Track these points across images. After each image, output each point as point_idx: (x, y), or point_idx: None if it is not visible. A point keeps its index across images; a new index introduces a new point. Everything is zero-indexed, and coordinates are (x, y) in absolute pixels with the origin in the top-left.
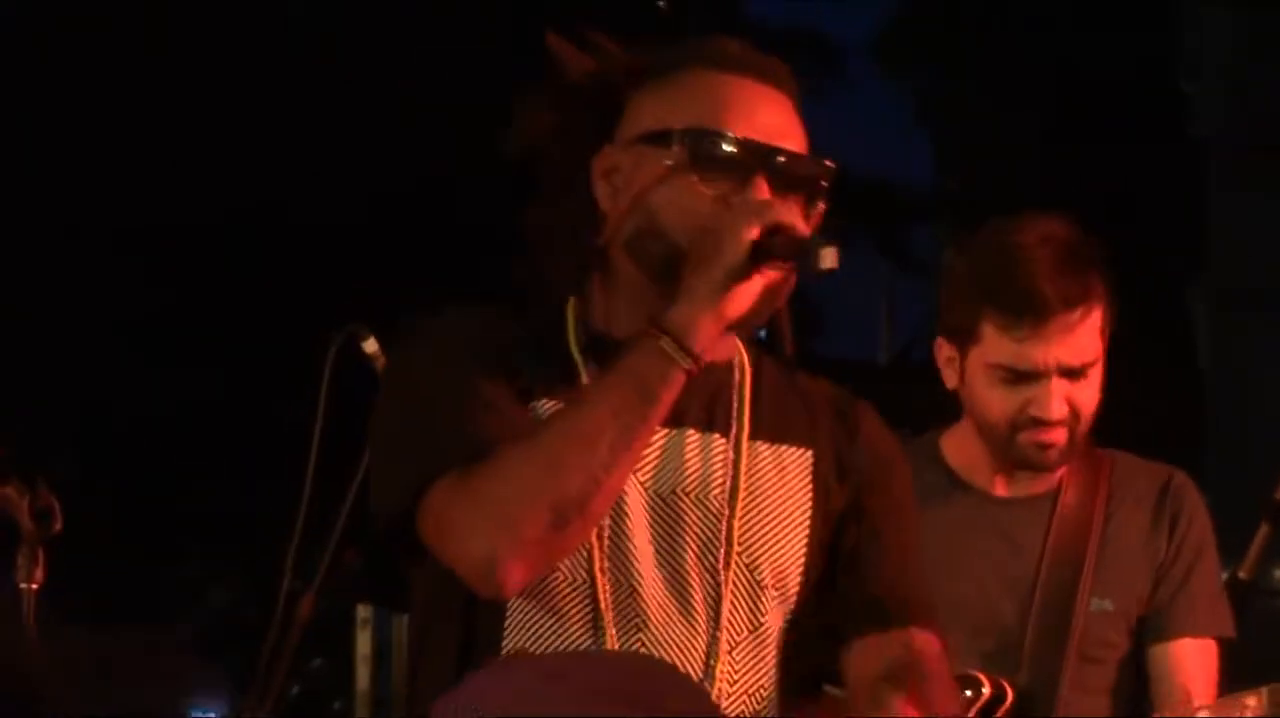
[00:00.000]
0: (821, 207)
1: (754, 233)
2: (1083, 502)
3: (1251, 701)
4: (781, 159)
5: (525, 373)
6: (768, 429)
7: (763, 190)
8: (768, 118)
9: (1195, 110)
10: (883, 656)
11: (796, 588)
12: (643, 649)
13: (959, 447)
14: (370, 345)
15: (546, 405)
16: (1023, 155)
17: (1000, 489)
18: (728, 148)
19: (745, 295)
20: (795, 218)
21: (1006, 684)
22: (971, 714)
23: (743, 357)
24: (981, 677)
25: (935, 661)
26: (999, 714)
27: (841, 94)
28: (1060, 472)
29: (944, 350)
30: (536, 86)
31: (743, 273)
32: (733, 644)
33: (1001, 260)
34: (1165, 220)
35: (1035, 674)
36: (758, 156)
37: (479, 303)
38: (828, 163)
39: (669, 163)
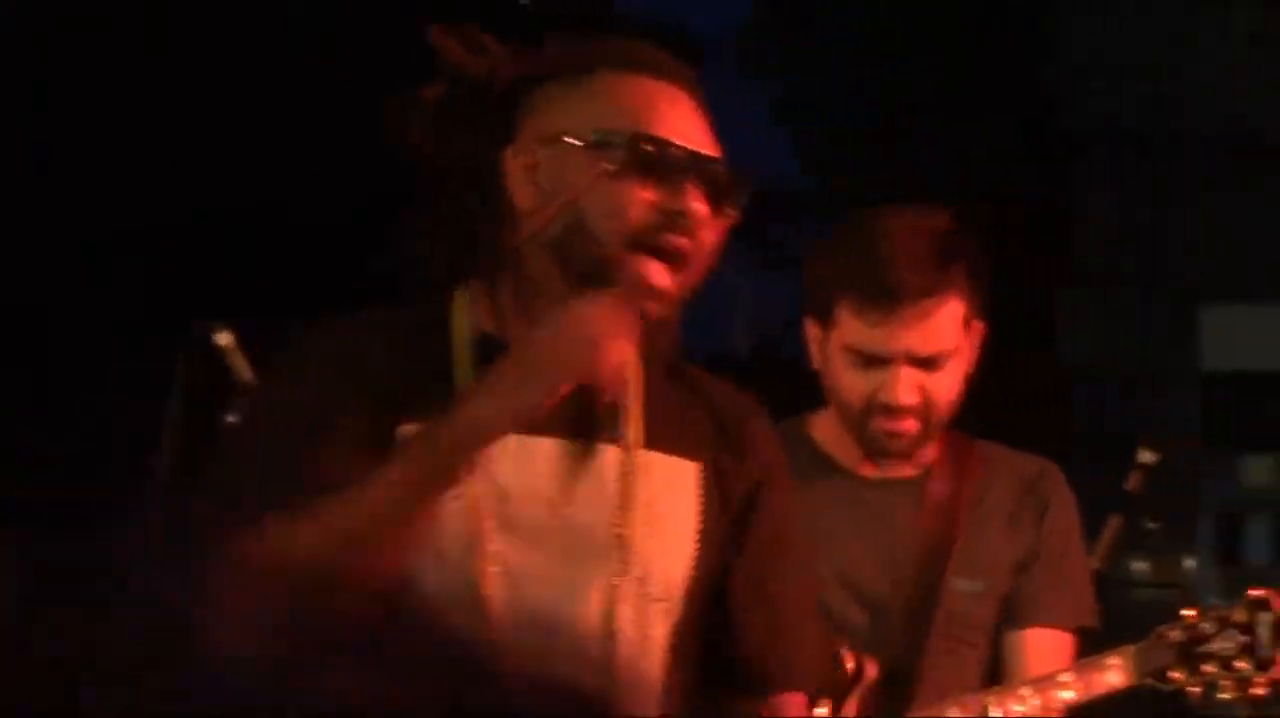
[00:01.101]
0: (733, 214)
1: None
2: (952, 487)
3: (1113, 661)
4: (714, 167)
5: (399, 385)
6: (656, 438)
7: (694, 198)
8: (693, 124)
9: (1063, 103)
10: None
11: (682, 600)
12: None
13: (827, 429)
14: (224, 339)
15: (406, 430)
16: (887, 152)
17: (868, 471)
18: (669, 154)
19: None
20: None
21: (869, 662)
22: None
23: (634, 359)
24: (845, 654)
25: None
26: (862, 691)
27: (705, 89)
28: (930, 457)
29: (809, 330)
30: (422, 82)
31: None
32: (624, 655)
33: (862, 245)
34: (1033, 215)
35: (903, 652)
36: (693, 164)
37: (356, 309)
38: (746, 173)
39: (610, 167)
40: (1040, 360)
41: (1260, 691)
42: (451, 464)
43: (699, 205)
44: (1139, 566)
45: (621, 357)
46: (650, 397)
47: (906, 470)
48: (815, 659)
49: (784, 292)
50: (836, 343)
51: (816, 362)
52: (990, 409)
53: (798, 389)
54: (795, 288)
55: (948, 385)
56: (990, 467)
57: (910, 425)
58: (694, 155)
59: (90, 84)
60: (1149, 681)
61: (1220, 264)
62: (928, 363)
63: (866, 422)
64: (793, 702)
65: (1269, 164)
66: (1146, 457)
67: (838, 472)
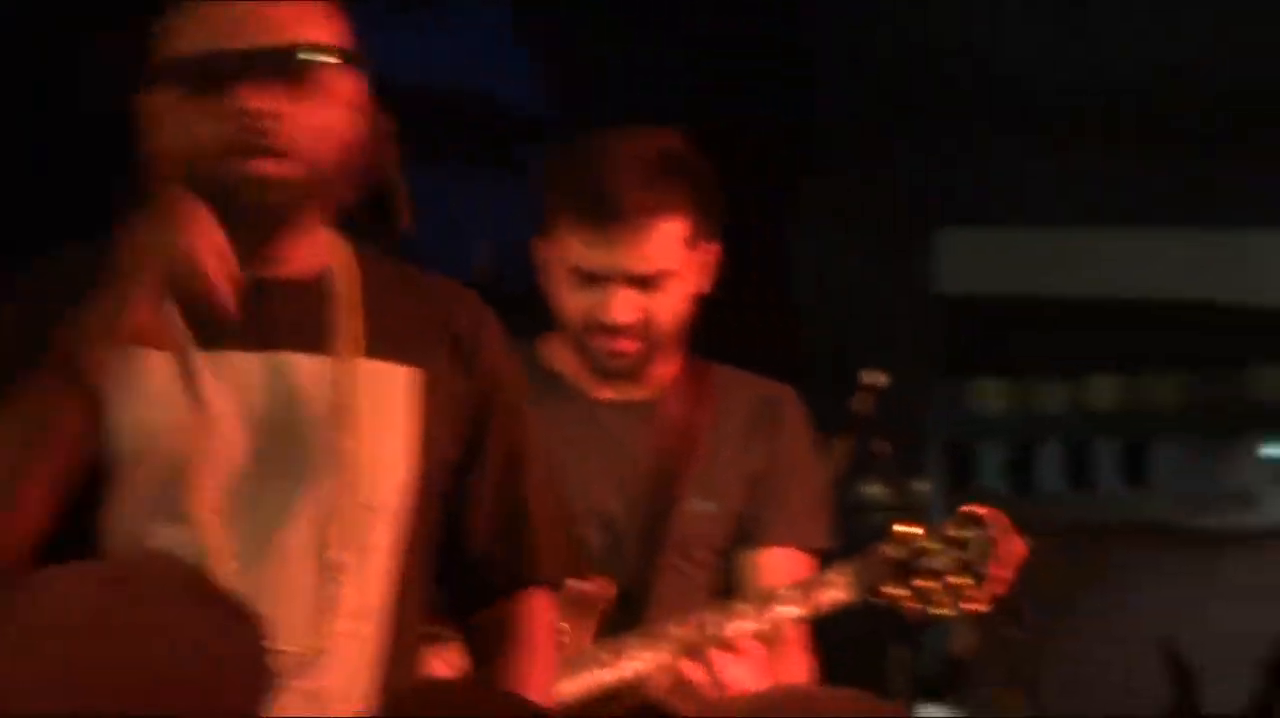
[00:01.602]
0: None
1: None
2: (686, 409)
3: (833, 577)
4: (275, 57)
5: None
6: (376, 346)
7: (251, 96)
8: (253, 23)
9: (806, 25)
10: (484, 630)
11: (402, 509)
12: (255, 582)
13: (559, 351)
14: None
15: None
16: (631, 82)
17: (601, 393)
18: (211, 65)
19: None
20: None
21: (605, 583)
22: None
23: (349, 264)
24: (588, 579)
25: (531, 627)
26: (598, 612)
27: (443, 10)
28: (664, 380)
29: (537, 250)
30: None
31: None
32: (341, 566)
33: (582, 164)
34: (772, 139)
35: (636, 572)
36: (243, 64)
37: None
38: (323, 41)
39: (174, 96)
40: (776, 285)
41: (976, 605)
42: (60, 387)
43: (260, 100)
44: (871, 489)
45: (200, 258)
46: (372, 303)
47: (640, 392)
48: (561, 552)
49: (527, 213)
50: (559, 262)
51: (544, 282)
52: (727, 333)
53: (537, 310)
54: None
55: (669, 306)
56: (726, 390)
57: (629, 345)
58: (241, 55)
59: None
60: (868, 596)
61: (955, 188)
62: (646, 282)
63: (588, 341)
64: (532, 602)
65: (999, 93)
66: (873, 379)
67: (570, 393)
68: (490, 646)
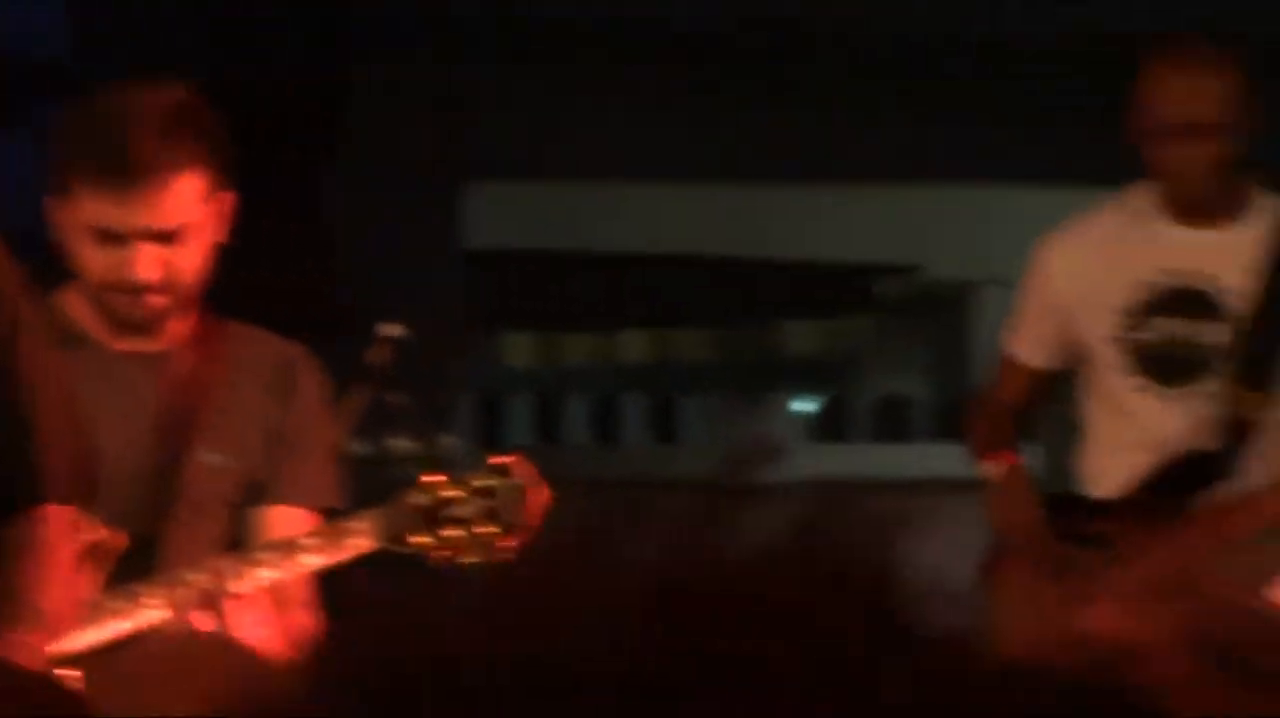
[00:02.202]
0: None
1: None
2: (198, 363)
3: (358, 525)
4: None
5: None
6: None
7: None
8: None
9: None
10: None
11: None
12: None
13: (77, 303)
14: None
15: None
16: (157, 35)
17: (117, 344)
18: None
19: None
20: None
21: (116, 533)
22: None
23: None
24: (101, 527)
25: (49, 537)
26: (111, 560)
27: None
28: (180, 332)
29: (51, 208)
30: None
31: None
32: None
33: (94, 121)
34: (306, 91)
35: (147, 523)
36: None
37: None
38: None
39: None
40: (304, 239)
41: (505, 554)
42: None
43: None
44: (399, 443)
45: None
46: None
47: (156, 345)
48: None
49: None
50: (76, 221)
51: (60, 238)
52: (255, 287)
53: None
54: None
55: (190, 259)
56: (241, 346)
57: (155, 301)
58: None
59: None
60: (394, 545)
61: (481, 143)
62: (166, 238)
63: (110, 298)
64: (49, 513)
65: (531, 47)
66: (390, 330)
67: (87, 345)
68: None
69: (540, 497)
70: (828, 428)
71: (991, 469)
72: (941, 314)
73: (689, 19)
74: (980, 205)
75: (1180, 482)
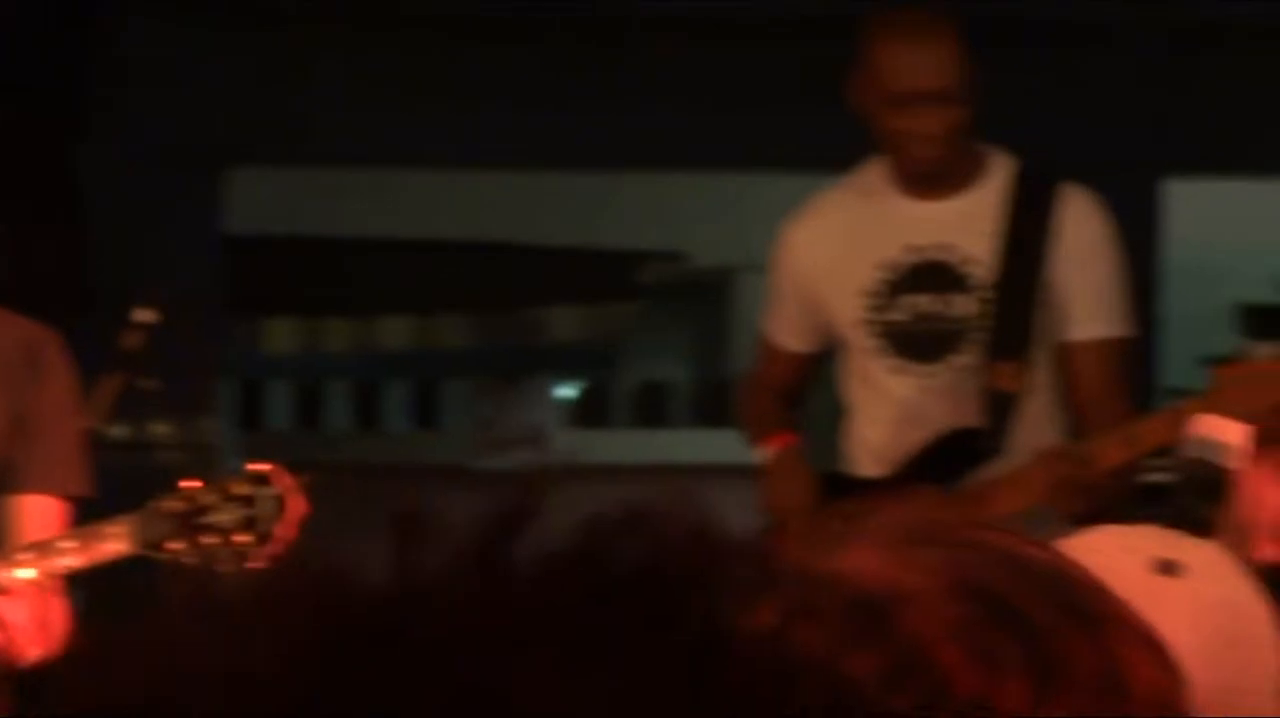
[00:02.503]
0: None
1: None
2: None
3: (114, 529)
4: None
5: None
6: None
7: None
8: None
9: None
10: None
11: None
12: None
13: None
14: None
15: None
16: None
17: None
18: None
19: None
20: None
21: None
22: None
23: None
24: None
25: None
26: None
27: None
28: None
29: None
30: None
31: None
32: None
33: None
34: (54, 71)
35: None
36: None
37: None
38: None
39: None
40: (61, 221)
41: (257, 563)
42: None
43: None
44: (159, 428)
45: None
46: None
47: None
48: None
49: None
50: None
51: None
52: (9, 269)
53: None
54: None
55: None
56: None
57: None
58: None
59: None
60: (150, 551)
61: (243, 126)
62: None
63: None
64: None
65: (289, 32)
66: (144, 315)
67: None
68: None
69: (297, 507)
70: (589, 414)
71: (765, 452)
72: (704, 300)
73: (450, 1)
74: (741, 192)
75: (946, 461)
